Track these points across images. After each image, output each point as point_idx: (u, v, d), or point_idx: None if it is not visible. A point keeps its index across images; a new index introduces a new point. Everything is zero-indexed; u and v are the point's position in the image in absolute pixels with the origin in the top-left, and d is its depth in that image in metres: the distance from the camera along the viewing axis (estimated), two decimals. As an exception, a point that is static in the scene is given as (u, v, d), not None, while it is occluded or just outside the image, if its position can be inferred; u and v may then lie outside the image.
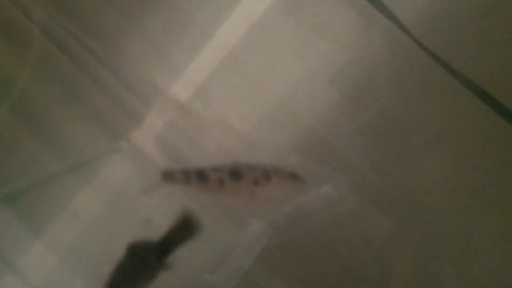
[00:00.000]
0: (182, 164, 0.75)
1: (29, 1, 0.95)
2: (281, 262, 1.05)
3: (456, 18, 0.83)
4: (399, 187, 0.92)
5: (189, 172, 0.64)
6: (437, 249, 0.91)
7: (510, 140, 0.83)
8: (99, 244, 0.91)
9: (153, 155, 0.88)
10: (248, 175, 0.63)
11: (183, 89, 0.93)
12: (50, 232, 0.94)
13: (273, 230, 1.02)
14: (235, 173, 0.63)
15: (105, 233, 0.92)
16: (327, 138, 0.93)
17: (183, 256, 1.06)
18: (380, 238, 0.93)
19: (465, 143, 0.90)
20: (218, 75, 0.91)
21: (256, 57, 0.91)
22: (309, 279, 1.02)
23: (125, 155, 0.93)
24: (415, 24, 0.83)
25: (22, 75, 0.94)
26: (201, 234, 1.03)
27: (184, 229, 0.70)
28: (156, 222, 0.84)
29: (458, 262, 0.90)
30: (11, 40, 0.98)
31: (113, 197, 0.93)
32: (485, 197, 0.87)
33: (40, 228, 0.94)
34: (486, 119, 0.83)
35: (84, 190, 0.93)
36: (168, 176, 0.65)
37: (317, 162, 0.90)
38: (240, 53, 0.91)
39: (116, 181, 0.94)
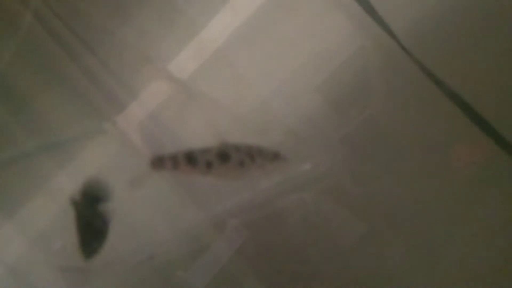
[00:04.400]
0: (167, 149, 0.75)
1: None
2: (254, 261, 1.05)
3: (445, 29, 0.85)
4: (376, 196, 0.93)
5: (178, 157, 0.64)
6: (407, 257, 0.92)
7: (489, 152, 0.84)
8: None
9: (138, 139, 0.89)
10: (235, 156, 0.65)
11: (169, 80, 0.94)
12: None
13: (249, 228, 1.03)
14: (223, 155, 0.64)
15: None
16: (307, 143, 0.94)
17: (157, 253, 1.07)
18: (350, 242, 0.94)
19: (448, 163, 0.91)
20: (205, 69, 0.90)
21: (244, 54, 0.90)
22: (278, 279, 1.03)
23: (109, 138, 0.94)
24: (405, 33, 0.84)
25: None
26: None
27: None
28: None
29: (426, 270, 0.91)
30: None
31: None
32: (457, 209, 0.88)
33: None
34: (467, 131, 0.84)
35: (66, 168, 0.94)
36: (157, 163, 0.65)
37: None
38: (229, 49, 0.91)
39: (97, 163, 0.95)
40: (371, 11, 0.81)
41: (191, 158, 0.64)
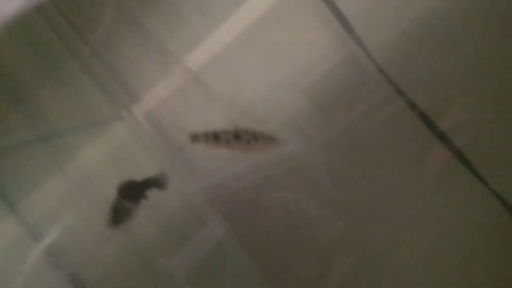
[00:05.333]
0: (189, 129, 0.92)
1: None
2: (235, 254, 1.12)
3: (420, 53, 0.93)
4: (355, 199, 1.02)
5: (208, 134, 0.89)
6: (378, 255, 1.02)
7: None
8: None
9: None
10: (244, 137, 0.89)
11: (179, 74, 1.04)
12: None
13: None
14: (236, 135, 0.89)
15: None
16: (291, 144, 1.03)
17: (141, 241, 1.14)
18: (327, 240, 1.04)
19: (414, 169, 1.01)
20: (204, 73, 1.01)
21: (239, 61, 1.00)
22: (256, 272, 1.11)
23: (126, 123, 1.08)
24: (379, 51, 0.95)
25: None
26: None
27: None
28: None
29: (397, 269, 1.01)
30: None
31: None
32: (426, 211, 0.98)
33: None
34: (426, 141, 0.95)
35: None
36: (194, 137, 0.90)
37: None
38: (226, 56, 1.01)
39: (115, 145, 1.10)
40: (349, 30, 0.92)
41: (216, 136, 0.88)
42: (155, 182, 0.99)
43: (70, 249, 1.09)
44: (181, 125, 0.98)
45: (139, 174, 1.04)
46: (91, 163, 1.12)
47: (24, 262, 1.04)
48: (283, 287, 1.09)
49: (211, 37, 1.02)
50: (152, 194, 1.03)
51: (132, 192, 1.00)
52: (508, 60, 0.91)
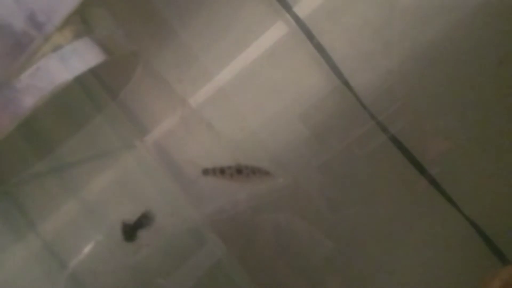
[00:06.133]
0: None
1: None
2: (230, 274, 1.19)
3: (404, 90, 1.02)
4: (345, 220, 1.09)
5: (215, 169, 1.05)
6: (366, 275, 1.09)
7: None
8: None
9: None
10: (245, 171, 1.03)
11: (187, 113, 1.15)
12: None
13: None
14: (238, 170, 1.04)
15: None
16: (288, 169, 1.13)
17: (140, 261, 1.20)
18: (317, 259, 1.11)
19: (399, 196, 1.09)
20: (209, 104, 1.13)
21: (241, 94, 1.11)
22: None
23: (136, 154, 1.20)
24: (364, 89, 1.05)
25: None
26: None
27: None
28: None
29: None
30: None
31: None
32: (410, 235, 1.05)
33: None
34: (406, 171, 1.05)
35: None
36: (205, 172, 1.06)
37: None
38: (229, 90, 1.12)
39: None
40: (336, 72, 1.03)
41: (222, 171, 1.04)
42: (143, 221, 1.12)
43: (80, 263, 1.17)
44: (192, 160, 1.11)
45: (145, 202, 1.16)
46: (101, 190, 1.22)
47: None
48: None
49: (216, 75, 1.13)
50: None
51: (127, 233, 1.12)
52: (490, 96, 1.00)
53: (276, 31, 1.07)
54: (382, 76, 1.04)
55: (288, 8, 1.05)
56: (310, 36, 1.03)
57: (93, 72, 0.96)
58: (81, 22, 0.92)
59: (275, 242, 1.15)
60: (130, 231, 1.10)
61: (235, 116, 1.12)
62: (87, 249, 1.20)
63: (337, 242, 1.09)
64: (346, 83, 1.02)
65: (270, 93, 1.10)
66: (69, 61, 0.93)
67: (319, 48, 1.03)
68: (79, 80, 0.96)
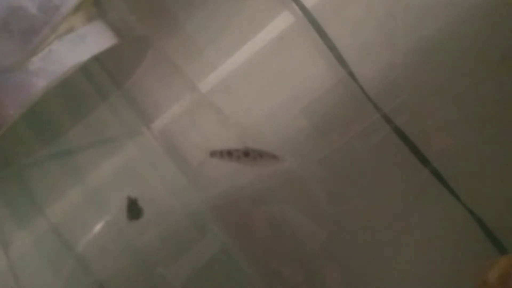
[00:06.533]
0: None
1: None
2: (229, 264, 1.20)
3: (408, 82, 1.02)
4: (345, 213, 1.11)
5: (223, 151, 1.05)
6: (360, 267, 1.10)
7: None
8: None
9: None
10: (252, 154, 1.04)
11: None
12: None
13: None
14: (245, 153, 1.04)
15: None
16: (289, 161, 1.14)
17: (141, 249, 1.21)
18: (312, 249, 1.12)
19: (399, 189, 1.09)
20: (217, 93, 1.16)
21: (245, 85, 1.14)
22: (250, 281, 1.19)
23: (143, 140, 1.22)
24: (369, 80, 1.05)
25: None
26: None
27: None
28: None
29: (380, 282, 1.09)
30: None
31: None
32: (409, 227, 1.07)
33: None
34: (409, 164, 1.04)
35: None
36: (213, 153, 1.07)
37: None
38: (235, 80, 1.14)
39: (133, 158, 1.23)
40: (342, 62, 1.04)
41: (229, 153, 1.05)
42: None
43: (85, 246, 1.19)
44: (199, 143, 1.11)
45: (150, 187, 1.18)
46: (107, 175, 1.24)
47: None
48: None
49: (222, 65, 1.15)
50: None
51: (131, 209, 1.14)
52: (493, 90, 1.01)
53: (283, 21, 1.09)
54: (385, 69, 1.05)
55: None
56: (316, 26, 1.05)
57: (100, 58, 0.98)
58: (93, 5, 0.94)
59: (271, 233, 1.16)
60: (135, 207, 1.12)
61: (240, 105, 1.14)
62: (93, 230, 1.21)
63: (336, 233, 1.11)
64: (351, 74, 1.04)
65: (274, 82, 1.12)
66: (82, 44, 0.95)
67: (325, 39, 1.05)
68: (86, 67, 0.98)
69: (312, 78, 1.09)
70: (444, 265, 1.03)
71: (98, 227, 1.20)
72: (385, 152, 1.08)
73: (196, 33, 1.14)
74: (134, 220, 1.12)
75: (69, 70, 0.94)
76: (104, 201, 1.22)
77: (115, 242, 1.21)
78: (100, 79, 1.16)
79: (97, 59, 0.97)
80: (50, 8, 0.92)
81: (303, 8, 1.05)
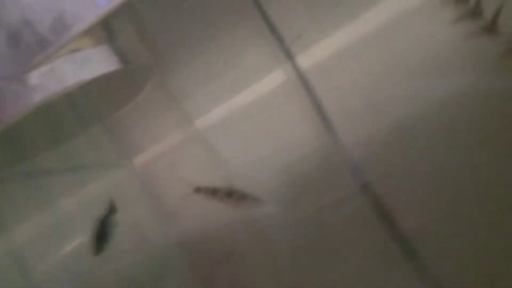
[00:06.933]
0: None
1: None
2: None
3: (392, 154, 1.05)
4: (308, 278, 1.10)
5: (208, 189, 1.07)
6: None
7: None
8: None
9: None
10: (235, 195, 1.05)
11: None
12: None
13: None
14: (229, 193, 1.06)
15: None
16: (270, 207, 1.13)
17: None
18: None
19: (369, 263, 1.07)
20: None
21: (237, 130, 1.18)
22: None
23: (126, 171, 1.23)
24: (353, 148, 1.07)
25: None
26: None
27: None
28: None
29: None
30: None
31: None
32: None
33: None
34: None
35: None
36: (197, 190, 1.07)
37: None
38: (228, 123, 1.17)
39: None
40: (327, 126, 1.07)
41: (214, 192, 1.06)
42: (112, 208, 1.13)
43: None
44: (185, 177, 1.13)
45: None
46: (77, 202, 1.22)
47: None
48: None
49: (215, 109, 1.19)
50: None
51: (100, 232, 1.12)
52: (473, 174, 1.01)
53: (277, 77, 1.13)
54: (367, 140, 1.07)
55: (291, 58, 1.11)
56: (307, 88, 1.09)
57: (97, 81, 0.99)
58: (104, 30, 0.97)
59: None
60: (103, 231, 1.09)
61: (226, 149, 1.16)
62: (53, 258, 1.17)
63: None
64: (334, 140, 1.07)
65: (261, 134, 1.16)
66: (85, 66, 0.97)
67: (314, 102, 1.08)
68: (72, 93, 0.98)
69: (297, 137, 1.13)
70: None
71: (59, 255, 1.16)
72: (357, 223, 1.08)
73: (199, 70, 1.18)
74: (99, 252, 1.08)
75: (67, 89, 0.95)
76: (69, 229, 1.19)
77: (72, 273, 1.17)
78: (86, 108, 1.18)
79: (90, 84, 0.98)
80: (61, 27, 0.95)
81: (297, 69, 1.10)
